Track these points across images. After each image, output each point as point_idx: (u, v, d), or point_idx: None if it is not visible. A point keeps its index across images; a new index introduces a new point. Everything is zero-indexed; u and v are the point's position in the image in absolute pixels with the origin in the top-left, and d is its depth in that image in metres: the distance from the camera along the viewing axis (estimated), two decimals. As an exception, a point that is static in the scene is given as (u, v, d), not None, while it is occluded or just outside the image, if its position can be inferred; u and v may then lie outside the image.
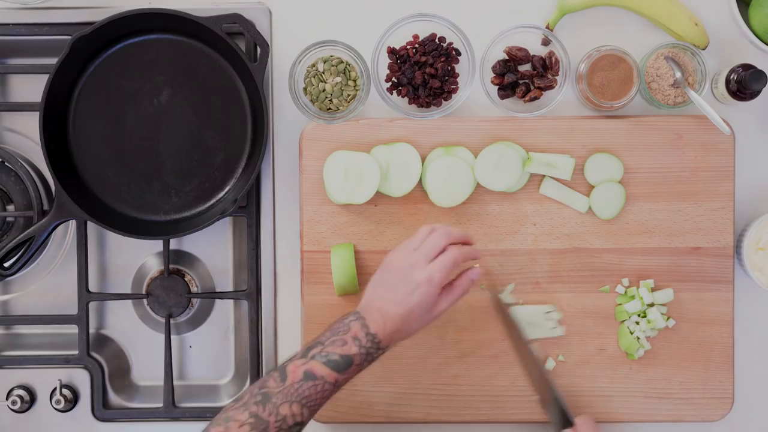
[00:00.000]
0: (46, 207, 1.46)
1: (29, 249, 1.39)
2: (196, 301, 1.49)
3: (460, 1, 1.43)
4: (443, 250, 1.26)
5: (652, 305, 1.40)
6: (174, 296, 1.47)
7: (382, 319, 1.23)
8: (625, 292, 1.41)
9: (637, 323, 1.40)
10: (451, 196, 1.39)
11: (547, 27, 1.43)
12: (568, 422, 1.31)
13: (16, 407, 1.43)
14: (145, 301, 1.48)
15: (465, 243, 1.30)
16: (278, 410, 1.17)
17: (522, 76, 1.42)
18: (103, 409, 1.46)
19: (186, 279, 1.48)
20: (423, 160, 1.41)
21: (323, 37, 1.41)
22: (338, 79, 1.41)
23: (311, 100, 1.42)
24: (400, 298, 1.23)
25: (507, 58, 1.43)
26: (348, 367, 1.21)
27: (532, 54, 1.42)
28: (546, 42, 1.42)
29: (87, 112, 1.42)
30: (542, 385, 1.35)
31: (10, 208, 1.46)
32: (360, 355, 1.21)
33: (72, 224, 1.49)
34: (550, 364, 1.40)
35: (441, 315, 1.26)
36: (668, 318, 1.41)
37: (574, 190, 1.41)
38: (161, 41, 1.42)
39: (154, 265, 1.50)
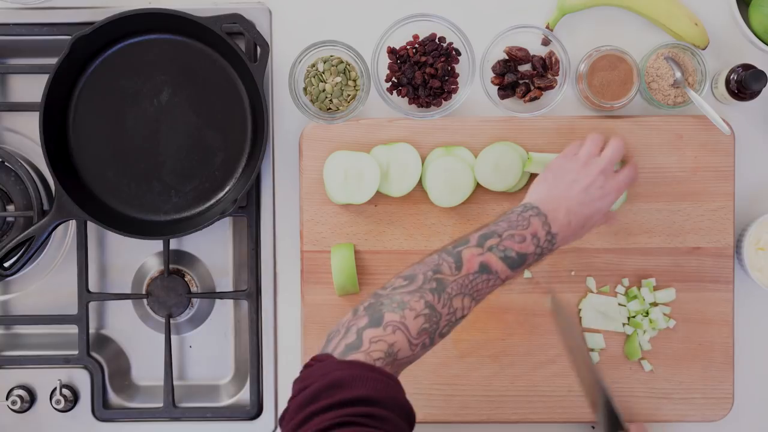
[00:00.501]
0: (46, 207, 1.46)
1: (29, 249, 1.39)
2: (196, 301, 1.49)
3: (460, 1, 1.43)
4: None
5: (655, 305, 1.40)
6: (174, 296, 1.47)
7: (567, 218, 1.19)
8: (626, 292, 1.41)
9: (639, 323, 1.40)
10: (451, 196, 1.39)
11: (547, 27, 1.43)
12: (618, 426, 1.26)
13: (16, 407, 1.43)
14: (145, 301, 1.48)
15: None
16: (452, 302, 1.10)
17: (522, 76, 1.42)
18: (103, 409, 1.46)
19: (186, 279, 1.48)
20: (423, 160, 1.41)
21: (323, 37, 1.41)
22: (338, 79, 1.41)
23: (311, 100, 1.42)
24: (590, 200, 1.21)
25: (507, 58, 1.43)
26: (520, 266, 1.15)
27: (532, 54, 1.42)
28: (546, 42, 1.42)
29: (87, 112, 1.42)
30: (594, 388, 1.29)
31: (10, 208, 1.46)
32: (533, 254, 1.16)
33: (72, 224, 1.49)
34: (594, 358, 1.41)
35: None
36: (669, 318, 1.41)
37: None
38: (161, 41, 1.42)
39: (154, 265, 1.50)
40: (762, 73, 1.33)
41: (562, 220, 1.18)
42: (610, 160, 1.25)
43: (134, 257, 1.50)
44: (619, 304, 1.40)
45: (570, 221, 1.19)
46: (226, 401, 1.48)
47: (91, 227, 1.47)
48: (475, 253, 1.13)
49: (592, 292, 1.40)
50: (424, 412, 1.40)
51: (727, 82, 1.37)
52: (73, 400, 1.45)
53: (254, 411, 1.45)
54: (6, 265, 1.40)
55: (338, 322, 1.09)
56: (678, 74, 1.38)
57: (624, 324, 1.40)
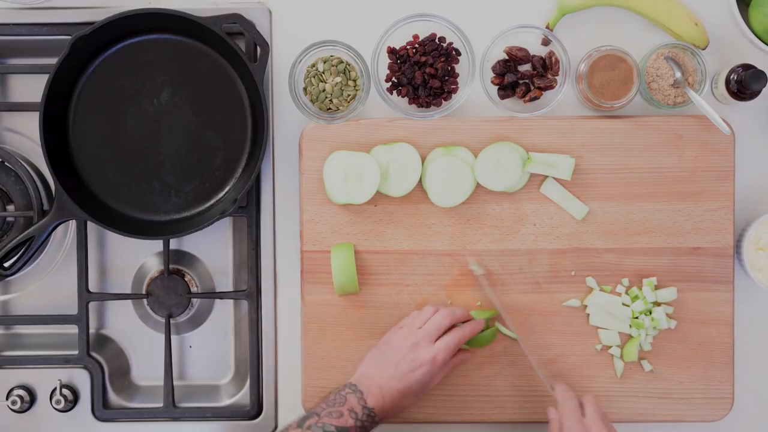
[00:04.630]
0: (46, 207, 1.46)
1: (29, 249, 1.39)
2: (196, 301, 1.49)
3: (460, 1, 1.43)
4: (446, 330, 1.31)
5: (657, 304, 1.40)
6: (174, 296, 1.47)
7: (381, 393, 1.26)
8: (627, 291, 1.41)
9: (641, 324, 1.39)
10: (451, 196, 1.39)
11: (547, 27, 1.43)
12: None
13: (16, 407, 1.43)
14: (145, 301, 1.48)
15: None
16: None
17: (522, 76, 1.42)
18: (103, 409, 1.46)
19: (186, 279, 1.48)
20: (423, 160, 1.41)
21: (323, 37, 1.41)
22: (338, 79, 1.41)
23: (311, 100, 1.42)
24: (401, 375, 1.27)
25: (507, 58, 1.43)
26: None
27: (532, 54, 1.43)
28: (546, 42, 1.42)
29: (87, 112, 1.42)
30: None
31: (10, 208, 1.46)
32: (355, 428, 1.25)
33: (72, 224, 1.49)
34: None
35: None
36: (670, 319, 1.41)
37: (573, 195, 1.40)
38: (161, 41, 1.42)
39: (154, 265, 1.50)
40: (762, 73, 1.33)
41: (376, 394, 1.27)
42: (427, 332, 1.29)
43: (134, 257, 1.50)
44: (623, 304, 1.40)
45: (384, 396, 1.27)
46: (226, 401, 1.48)
47: (91, 227, 1.47)
48: None
49: (596, 289, 1.40)
50: (424, 412, 1.41)
51: (727, 82, 1.37)
52: (73, 400, 1.45)
53: (254, 411, 1.45)
54: (6, 265, 1.40)
55: None
56: (678, 74, 1.39)
57: (630, 326, 1.40)
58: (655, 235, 1.41)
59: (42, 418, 1.45)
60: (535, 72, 1.42)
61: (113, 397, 1.48)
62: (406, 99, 1.43)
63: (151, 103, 1.42)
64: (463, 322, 1.35)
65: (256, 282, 1.44)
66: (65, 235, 1.50)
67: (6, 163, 1.45)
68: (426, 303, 1.41)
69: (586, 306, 1.41)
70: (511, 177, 1.39)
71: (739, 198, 1.42)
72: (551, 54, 1.42)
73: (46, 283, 1.50)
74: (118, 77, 1.42)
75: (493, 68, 1.43)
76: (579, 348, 1.41)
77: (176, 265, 1.49)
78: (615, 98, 1.38)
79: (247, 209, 1.44)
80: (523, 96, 1.42)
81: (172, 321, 1.46)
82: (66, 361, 1.46)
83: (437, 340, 1.30)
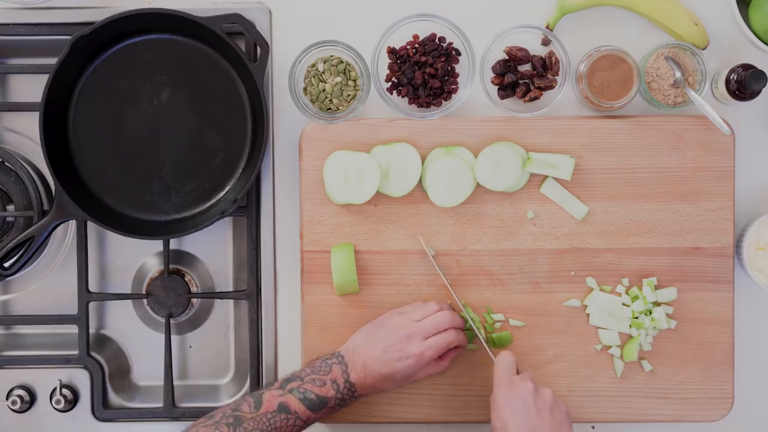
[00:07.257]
0: (46, 207, 1.46)
1: (29, 249, 1.39)
2: (196, 301, 1.49)
3: (460, 1, 1.43)
4: (441, 331, 1.31)
5: (657, 304, 1.40)
6: (174, 296, 1.47)
7: (364, 372, 1.27)
8: (627, 291, 1.41)
9: (641, 324, 1.39)
10: (451, 196, 1.39)
11: (547, 27, 1.43)
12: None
13: (16, 407, 1.43)
14: (145, 301, 1.48)
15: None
16: None
17: (522, 76, 1.42)
18: (103, 409, 1.46)
19: (186, 279, 1.48)
20: (423, 160, 1.41)
21: (323, 37, 1.41)
22: (338, 79, 1.41)
23: (311, 100, 1.42)
24: (387, 361, 1.28)
25: (507, 58, 1.43)
26: (322, 408, 1.25)
27: (532, 54, 1.43)
28: (546, 42, 1.42)
29: (87, 112, 1.42)
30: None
31: (10, 208, 1.46)
32: (335, 398, 1.26)
33: (72, 224, 1.49)
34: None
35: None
36: (670, 319, 1.41)
37: (573, 195, 1.40)
38: (161, 41, 1.42)
39: (154, 265, 1.50)
40: (762, 73, 1.33)
41: (360, 372, 1.28)
42: (423, 327, 1.30)
43: (134, 257, 1.51)
44: (623, 304, 1.40)
45: (366, 375, 1.28)
46: (226, 401, 1.48)
47: (91, 227, 1.47)
48: (276, 395, 1.24)
49: (596, 289, 1.40)
50: (424, 412, 1.41)
51: (727, 82, 1.37)
52: (73, 400, 1.45)
53: (254, 411, 1.45)
54: (6, 265, 1.40)
55: None
56: (678, 74, 1.39)
57: (630, 326, 1.40)
58: (655, 235, 1.41)
59: (42, 418, 1.45)
60: (535, 72, 1.42)
61: (113, 397, 1.48)
62: (406, 99, 1.43)
63: (151, 103, 1.42)
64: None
65: (256, 282, 1.44)
66: (65, 235, 1.50)
67: (6, 163, 1.45)
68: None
69: (586, 306, 1.41)
70: (511, 177, 1.39)
71: (739, 198, 1.42)
72: (551, 54, 1.42)
73: (46, 283, 1.50)
74: (118, 77, 1.42)
75: (493, 68, 1.43)
76: (579, 348, 1.41)
77: (176, 265, 1.49)
78: (615, 98, 1.39)
79: (247, 209, 1.44)
80: (523, 96, 1.42)
81: (172, 321, 1.46)
82: (66, 361, 1.46)
83: (430, 337, 1.30)
